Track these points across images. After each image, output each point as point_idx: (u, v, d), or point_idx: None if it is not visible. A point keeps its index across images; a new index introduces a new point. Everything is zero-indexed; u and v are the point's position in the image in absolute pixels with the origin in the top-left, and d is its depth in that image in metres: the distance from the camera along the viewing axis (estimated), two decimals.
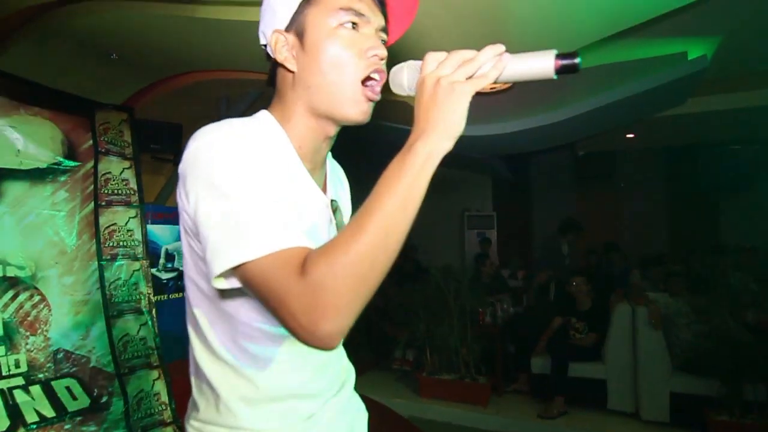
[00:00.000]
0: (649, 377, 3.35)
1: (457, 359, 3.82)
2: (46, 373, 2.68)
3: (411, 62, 0.68)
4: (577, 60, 0.60)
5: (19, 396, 2.53)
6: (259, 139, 0.67)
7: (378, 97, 0.71)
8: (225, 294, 0.69)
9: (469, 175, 7.87)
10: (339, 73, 0.69)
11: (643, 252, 5.45)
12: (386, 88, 0.72)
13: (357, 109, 0.70)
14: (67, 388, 2.73)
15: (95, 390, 2.85)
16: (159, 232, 3.63)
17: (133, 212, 3.40)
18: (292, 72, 0.72)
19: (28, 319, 2.71)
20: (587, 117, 4.31)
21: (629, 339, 3.50)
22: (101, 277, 3.14)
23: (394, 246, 0.57)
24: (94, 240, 3.17)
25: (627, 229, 6.59)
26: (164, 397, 3.21)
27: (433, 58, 0.63)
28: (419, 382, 3.93)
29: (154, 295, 3.43)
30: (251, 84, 4.28)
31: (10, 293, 2.68)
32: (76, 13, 2.87)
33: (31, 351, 2.67)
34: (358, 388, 0.94)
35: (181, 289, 3.85)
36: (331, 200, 0.78)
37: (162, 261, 3.65)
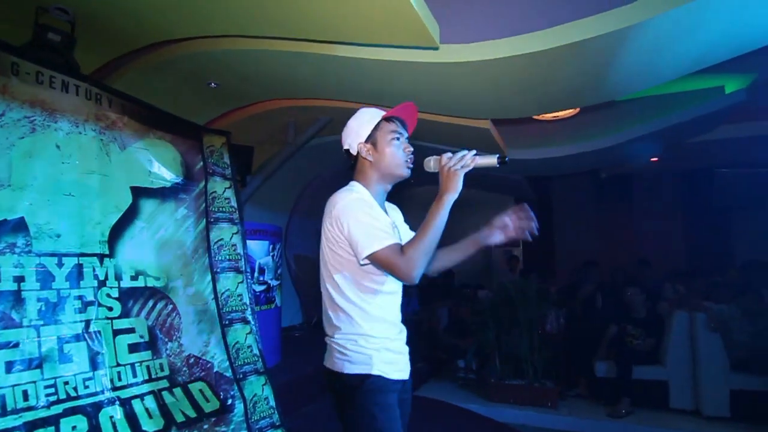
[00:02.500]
0: (709, 376, 3.68)
1: (527, 365, 4.10)
2: (183, 377, 2.88)
3: (434, 156, 1.39)
4: (506, 159, 1.37)
5: (167, 397, 2.72)
6: (365, 196, 1.43)
7: (412, 166, 1.49)
8: (362, 265, 1.39)
9: (492, 195, 8.28)
10: (395, 160, 1.46)
11: (670, 267, 5.85)
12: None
13: (405, 173, 1.48)
14: (200, 391, 2.92)
15: (221, 393, 3.05)
16: (253, 247, 3.86)
17: (235, 228, 3.64)
18: (371, 161, 1.47)
19: (165, 326, 2.92)
20: (624, 146, 4.75)
21: (688, 342, 3.85)
22: (215, 288, 3.36)
23: (435, 242, 1.31)
24: (207, 254, 3.40)
25: (647, 247, 7.01)
26: (272, 401, 3.40)
27: (446, 156, 1.36)
28: (489, 388, 4.18)
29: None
30: (320, 111, 4.61)
31: (151, 302, 2.89)
32: (202, 45, 3.15)
33: (171, 356, 2.87)
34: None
35: (271, 300, 4.07)
36: (392, 222, 1.51)
37: (256, 275, 3.87)
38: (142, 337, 2.75)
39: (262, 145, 5.12)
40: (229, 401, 3.07)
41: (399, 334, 1.48)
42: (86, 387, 2.38)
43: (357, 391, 1.35)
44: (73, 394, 2.31)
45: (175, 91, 3.82)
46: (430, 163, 1.40)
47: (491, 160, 1.36)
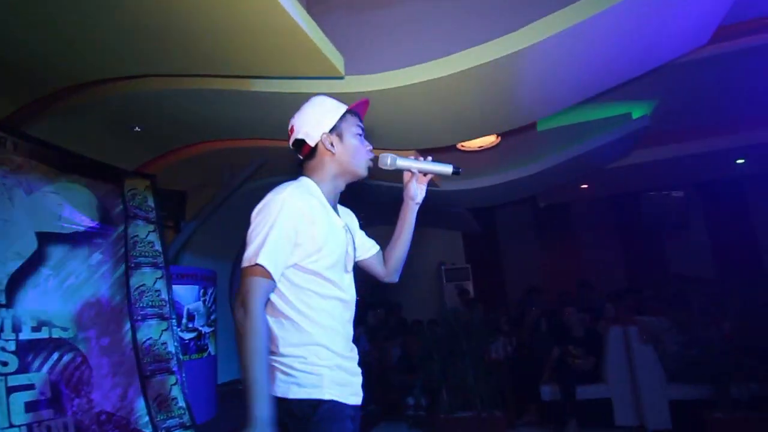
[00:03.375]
0: (648, 389, 3.72)
1: (473, 396, 4.01)
2: None
3: (390, 154, 1.36)
4: (460, 170, 1.34)
5: None
6: (314, 191, 1.26)
7: (371, 160, 1.35)
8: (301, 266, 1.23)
9: (441, 232, 8.41)
10: (359, 156, 1.32)
11: (608, 287, 6.05)
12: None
13: (364, 173, 1.34)
14: None
15: None
16: (181, 292, 3.69)
17: (159, 273, 3.50)
18: (332, 154, 1.30)
19: (72, 380, 2.70)
20: (548, 173, 5.00)
21: (625, 357, 3.90)
22: (134, 337, 3.16)
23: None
24: (127, 300, 3.22)
25: (588, 270, 7.26)
26: None
27: (402, 158, 1.36)
28: (438, 423, 4.04)
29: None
30: (254, 152, 4.61)
31: (56, 355, 2.68)
32: (119, 88, 3.12)
33: (77, 413, 2.63)
34: None
35: (203, 348, 3.85)
36: (345, 224, 1.34)
37: (185, 321, 3.68)
38: (42, 393, 2.51)
39: (199, 190, 5.02)
40: None
41: (351, 352, 1.28)
42: None
43: (308, 422, 1.14)
44: None
45: (99, 136, 3.73)
46: (386, 160, 1.35)
47: (446, 168, 1.34)
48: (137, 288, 3.32)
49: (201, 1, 1.90)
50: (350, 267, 1.30)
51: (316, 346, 1.18)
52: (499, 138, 4.10)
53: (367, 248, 1.46)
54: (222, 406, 4.18)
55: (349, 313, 1.29)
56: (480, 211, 7.72)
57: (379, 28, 2.69)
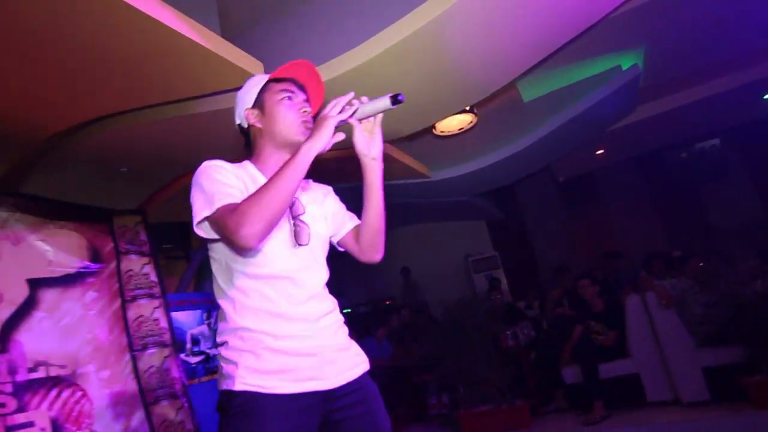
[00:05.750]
0: (676, 359, 3.39)
1: (490, 387, 3.84)
2: None
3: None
4: (400, 96, 1.09)
5: None
6: (231, 166, 1.16)
7: (309, 126, 1.20)
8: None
9: (465, 224, 8.19)
10: (287, 121, 1.20)
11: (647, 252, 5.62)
12: None
13: (301, 138, 1.17)
14: None
15: None
16: (183, 318, 3.81)
17: (156, 302, 3.61)
18: (260, 129, 1.22)
19: (73, 414, 2.82)
20: (549, 140, 4.74)
21: (647, 327, 3.59)
22: (135, 368, 3.28)
23: (282, 194, 1.02)
24: (125, 333, 3.35)
25: (624, 238, 6.79)
26: None
27: (330, 104, 1.12)
28: (460, 420, 3.90)
29: (186, 380, 3.53)
30: None
31: (54, 392, 2.81)
32: (89, 133, 3.28)
33: None
34: None
35: (212, 371, 3.94)
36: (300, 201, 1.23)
37: (189, 346, 3.79)
38: (43, 430, 2.65)
39: None
40: None
41: (304, 331, 1.11)
42: None
43: (222, 417, 1.04)
44: None
45: (89, 182, 3.94)
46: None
47: (383, 102, 1.11)
48: (135, 319, 3.45)
49: (95, 36, 1.96)
50: (304, 240, 1.18)
51: (240, 330, 1.08)
52: (476, 116, 3.93)
53: (342, 224, 1.32)
54: None
55: (299, 290, 1.12)
56: (500, 196, 7.47)
57: (301, 27, 2.67)
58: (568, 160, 6.21)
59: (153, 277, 3.69)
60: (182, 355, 3.66)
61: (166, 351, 3.50)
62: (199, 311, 3.96)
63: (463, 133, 4.18)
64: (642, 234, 6.80)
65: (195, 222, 1.08)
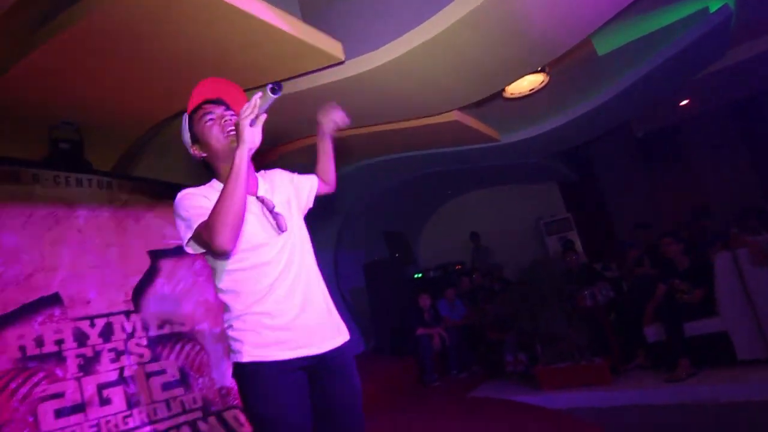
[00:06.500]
0: None
1: (568, 345, 3.90)
2: (217, 407, 3.20)
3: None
4: (276, 84, 1.36)
5: (202, 426, 3.04)
6: (201, 189, 1.40)
7: (233, 134, 1.36)
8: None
9: (536, 186, 8.03)
10: (220, 141, 1.40)
11: (739, 208, 5.25)
12: None
13: (233, 144, 1.32)
14: (234, 418, 3.21)
15: None
16: None
17: None
18: (206, 155, 1.45)
19: (195, 364, 3.29)
20: (627, 95, 4.49)
21: (738, 285, 3.44)
22: None
23: (234, 199, 1.20)
24: None
25: (713, 193, 6.34)
26: None
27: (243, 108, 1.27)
28: (537, 377, 4.02)
29: None
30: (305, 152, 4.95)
31: (179, 346, 3.28)
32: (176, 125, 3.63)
33: (203, 389, 3.21)
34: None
35: None
36: (257, 195, 1.43)
37: None
38: (173, 376, 3.13)
39: None
40: None
41: (292, 309, 1.33)
42: (126, 423, 2.77)
43: (238, 382, 1.32)
44: (114, 430, 2.71)
45: (190, 163, 4.38)
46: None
47: (267, 94, 1.32)
48: None
49: (192, 33, 2.20)
50: (285, 227, 1.39)
51: (242, 316, 1.32)
52: (548, 75, 3.84)
53: (310, 188, 1.60)
54: None
55: (277, 272, 1.34)
56: (572, 156, 7.22)
57: (371, 5, 2.75)
58: (648, 114, 5.85)
59: None
60: None
61: None
62: None
63: (534, 94, 4.11)
64: (733, 189, 6.30)
65: (183, 245, 1.32)
